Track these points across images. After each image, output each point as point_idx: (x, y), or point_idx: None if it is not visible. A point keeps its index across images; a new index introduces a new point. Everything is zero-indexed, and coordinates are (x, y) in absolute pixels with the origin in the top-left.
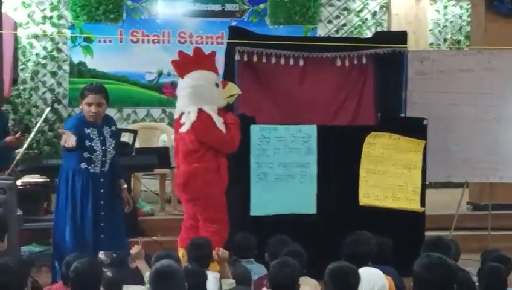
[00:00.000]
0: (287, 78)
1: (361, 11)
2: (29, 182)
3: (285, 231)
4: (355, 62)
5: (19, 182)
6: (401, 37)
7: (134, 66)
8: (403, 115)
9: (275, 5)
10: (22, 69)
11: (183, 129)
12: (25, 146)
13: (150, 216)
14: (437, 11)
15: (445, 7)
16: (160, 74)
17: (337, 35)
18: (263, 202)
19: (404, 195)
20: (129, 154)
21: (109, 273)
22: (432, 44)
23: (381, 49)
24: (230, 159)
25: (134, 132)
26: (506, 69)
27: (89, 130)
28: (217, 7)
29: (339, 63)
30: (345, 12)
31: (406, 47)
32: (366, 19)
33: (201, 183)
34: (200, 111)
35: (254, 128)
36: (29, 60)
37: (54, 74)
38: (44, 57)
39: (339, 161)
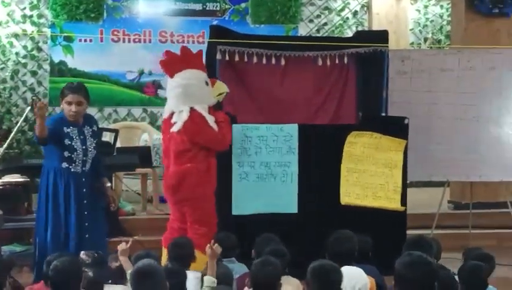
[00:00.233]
0: (268, 77)
1: (342, 10)
2: (9, 181)
3: (267, 230)
4: (337, 61)
5: None
6: (382, 36)
7: (115, 65)
8: (384, 114)
9: (256, 4)
10: (2, 68)
11: (174, 129)
12: (5, 146)
13: (131, 216)
14: (418, 10)
15: (426, 6)
16: (141, 73)
17: (318, 35)
18: (245, 201)
19: (384, 194)
20: (110, 153)
21: (90, 274)
22: (412, 43)
23: (362, 48)
24: None
25: (116, 132)
26: (486, 68)
27: (68, 129)
28: (198, 6)
29: (320, 62)
30: (326, 12)
31: (387, 46)
32: (347, 18)
33: (193, 184)
34: (192, 110)
35: (236, 128)
36: (9, 59)
37: (34, 73)
38: (25, 56)
39: (320, 160)
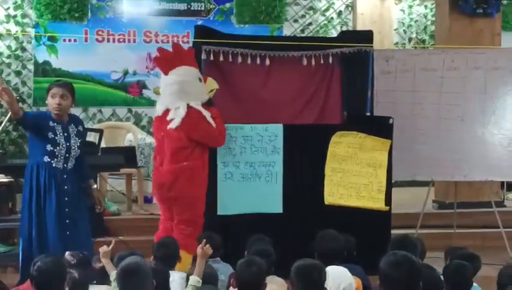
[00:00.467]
0: (253, 77)
1: (326, 10)
2: None
3: (252, 230)
4: (322, 61)
5: None
6: (366, 36)
7: (100, 65)
8: (368, 114)
9: (240, 4)
10: None
11: (172, 125)
12: None
13: (116, 216)
14: (402, 10)
15: (410, 6)
16: (125, 73)
17: (303, 35)
18: (230, 201)
19: (368, 194)
20: (95, 153)
21: (75, 275)
22: (397, 43)
23: (347, 48)
24: None
25: (100, 132)
26: (470, 68)
27: (53, 124)
28: (182, 6)
29: (305, 62)
30: (311, 12)
31: (371, 46)
32: (332, 18)
33: (188, 183)
34: (188, 107)
35: None
36: None
37: (18, 73)
38: (9, 56)
39: (305, 159)
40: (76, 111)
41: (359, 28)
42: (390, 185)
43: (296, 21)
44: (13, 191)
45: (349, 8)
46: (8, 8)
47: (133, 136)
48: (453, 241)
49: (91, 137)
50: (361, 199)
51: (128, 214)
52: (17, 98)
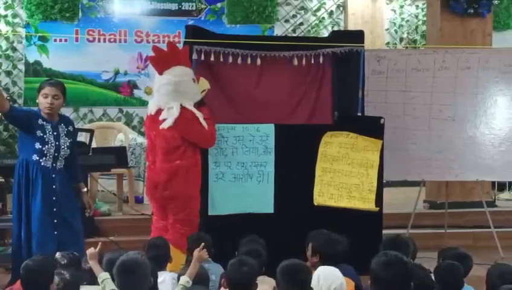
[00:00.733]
0: (244, 77)
1: (318, 10)
2: None
3: (244, 230)
4: (313, 61)
5: None
6: (358, 36)
7: (91, 65)
8: (359, 114)
9: (232, 4)
10: None
11: (164, 125)
12: None
13: (107, 216)
14: (393, 10)
15: (401, 7)
16: (116, 73)
17: (294, 35)
18: (221, 201)
19: (359, 194)
20: (86, 154)
21: (67, 276)
22: (388, 43)
23: (338, 48)
24: None
25: (91, 132)
26: (461, 68)
27: (43, 122)
28: (173, 6)
29: (296, 62)
30: (302, 12)
31: (362, 46)
32: (323, 18)
33: (182, 181)
34: (182, 107)
35: None
36: None
37: (8, 74)
38: None
39: (296, 159)
40: (67, 111)
41: (350, 28)
42: (381, 185)
43: (287, 21)
44: (4, 192)
45: (341, 8)
46: None
47: (124, 136)
48: (445, 241)
49: (82, 137)
50: (352, 199)
51: (119, 214)
52: (8, 98)
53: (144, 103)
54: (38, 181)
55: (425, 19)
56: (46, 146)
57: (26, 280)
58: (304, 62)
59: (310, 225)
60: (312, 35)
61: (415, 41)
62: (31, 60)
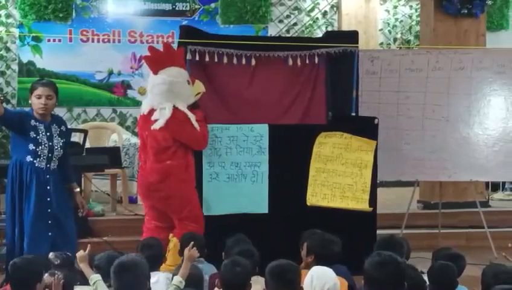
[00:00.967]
0: (238, 77)
1: (311, 10)
2: None
3: (238, 230)
4: (307, 61)
5: None
6: (351, 36)
7: (84, 65)
8: (353, 114)
9: (225, 5)
10: None
11: (156, 126)
12: None
13: (100, 216)
14: (387, 11)
15: (395, 7)
16: (110, 73)
17: (288, 35)
18: (215, 201)
19: (352, 194)
20: (79, 154)
21: (60, 276)
22: (382, 43)
23: (332, 48)
24: None
25: (85, 132)
26: (455, 68)
27: (35, 123)
28: (167, 6)
29: (290, 62)
30: (296, 12)
31: (356, 46)
32: (317, 18)
33: (175, 181)
34: (174, 108)
35: None
36: None
37: (2, 74)
38: None
39: (290, 160)
40: (60, 111)
41: (344, 28)
42: (375, 185)
43: (281, 21)
44: None
45: (335, 9)
46: None
47: (117, 137)
48: (438, 242)
49: (76, 137)
50: (345, 199)
51: (113, 214)
52: (1, 98)
53: (137, 103)
54: (33, 182)
55: (419, 19)
56: (40, 147)
57: (13, 278)
58: (298, 62)
59: (304, 225)
60: (306, 36)
61: (408, 41)
62: (25, 60)
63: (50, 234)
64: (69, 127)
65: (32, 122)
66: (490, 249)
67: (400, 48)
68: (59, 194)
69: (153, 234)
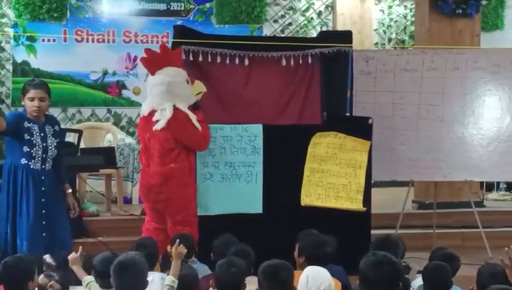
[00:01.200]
0: (232, 77)
1: (306, 10)
2: None
3: (232, 230)
4: (301, 61)
5: None
6: (346, 36)
7: (79, 65)
8: (348, 114)
9: (220, 5)
10: None
11: (157, 127)
12: None
13: (95, 217)
14: (382, 11)
15: (390, 7)
16: (105, 73)
17: (282, 35)
18: (210, 201)
19: (346, 194)
20: (74, 154)
21: (56, 278)
22: (376, 44)
23: (326, 48)
24: None
25: (79, 132)
26: (450, 68)
27: (29, 125)
28: (162, 6)
29: (284, 62)
30: (291, 12)
31: (351, 46)
32: (312, 18)
33: (177, 184)
34: (175, 108)
35: None
36: None
37: None
38: None
39: (285, 160)
40: (55, 111)
41: (339, 28)
42: (369, 185)
43: (276, 21)
44: None
45: (329, 9)
46: None
47: (112, 137)
48: (433, 242)
49: (70, 137)
50: (339, 199)
51: (108, 214)
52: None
53: (132, 103)
54: (29, 184)
55: (413, 19)
56: (34, 148)
57: (4, 277)
58: (292, 62)
59: (298, 226)
60: (301, 36)
61: (403, 41)
62: (19, 60)
63: (44, 234)
64: (63, 127)
65: (26, 123)
66: (485, 249)
67: (395, 48)
68: (53, 194)
69: (152, 236)
